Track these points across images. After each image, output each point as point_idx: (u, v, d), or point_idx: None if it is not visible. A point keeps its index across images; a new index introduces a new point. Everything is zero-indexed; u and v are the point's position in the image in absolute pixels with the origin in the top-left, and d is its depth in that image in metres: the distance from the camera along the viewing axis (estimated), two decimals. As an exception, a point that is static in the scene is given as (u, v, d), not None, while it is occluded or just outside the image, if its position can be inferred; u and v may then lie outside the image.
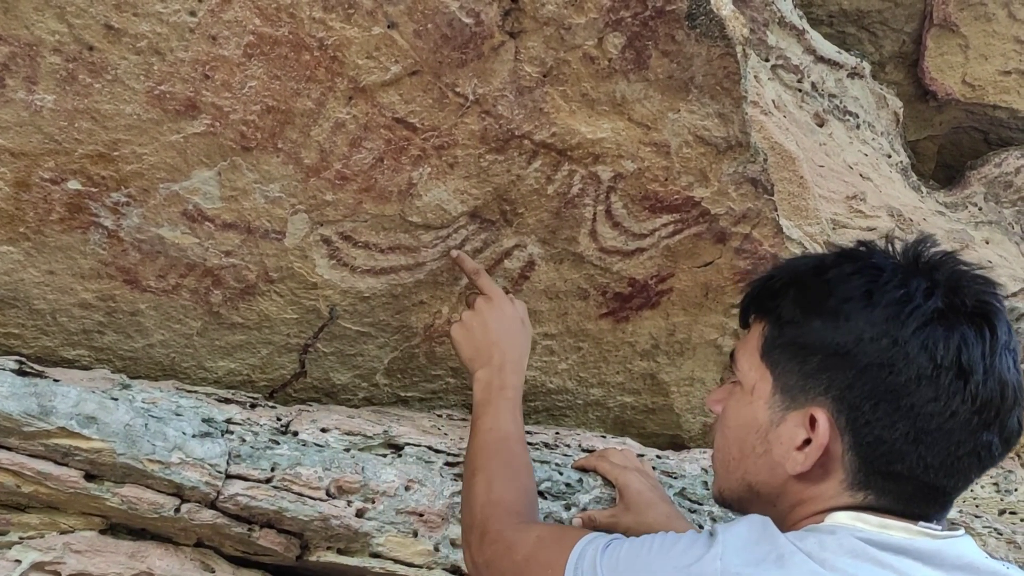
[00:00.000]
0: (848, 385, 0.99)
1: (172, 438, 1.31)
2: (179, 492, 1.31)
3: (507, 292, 1.56)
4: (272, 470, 1.37)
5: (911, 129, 2.73)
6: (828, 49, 2.36)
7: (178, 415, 1.37)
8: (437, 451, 1.54)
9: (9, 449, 1.25)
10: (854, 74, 2.43)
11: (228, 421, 1.42)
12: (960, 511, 2.08)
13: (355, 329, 1.60)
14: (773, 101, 2.14)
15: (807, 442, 1.01)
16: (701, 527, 1.58)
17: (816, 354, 1.02)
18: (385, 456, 1.49)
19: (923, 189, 2.58)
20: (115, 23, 1.21)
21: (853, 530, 0.96)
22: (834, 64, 2.37)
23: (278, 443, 1.42)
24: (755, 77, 2.07)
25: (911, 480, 0.99)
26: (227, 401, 1.50)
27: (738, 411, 1.10)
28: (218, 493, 1.32)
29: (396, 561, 1.40)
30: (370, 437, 1.51)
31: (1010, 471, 2.42)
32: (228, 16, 1.23)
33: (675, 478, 1.70)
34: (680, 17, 1.36)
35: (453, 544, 1.43)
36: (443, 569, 1.43)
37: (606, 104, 1.43)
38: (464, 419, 1.75)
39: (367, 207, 1.45)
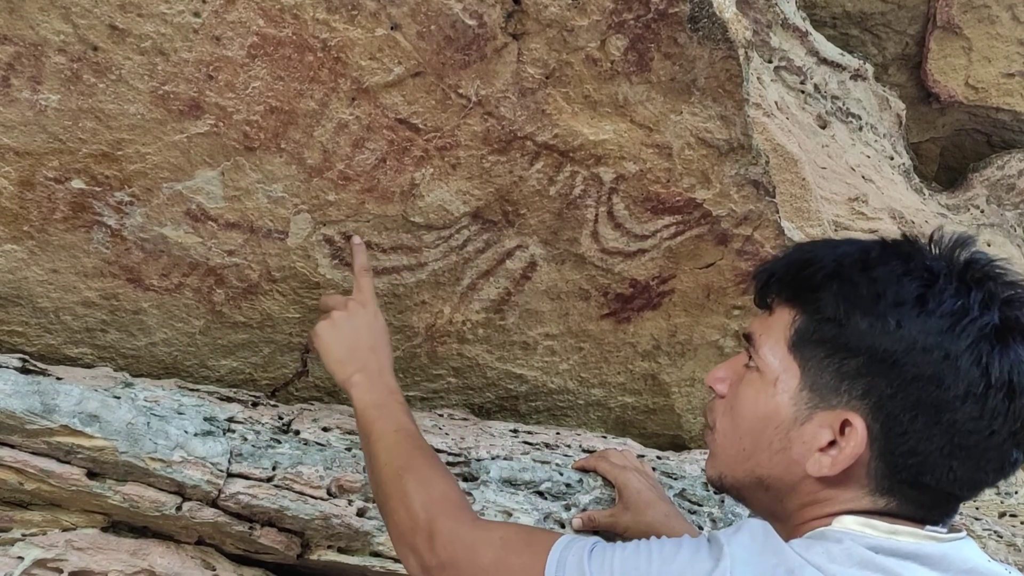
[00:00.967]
0: (890, 394, 0.94)
1: (174, 436, 1.32)
2: (180, 490, 1.32)
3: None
4: (273, 469, 1.37)
5: (913, 131, 2.73)
6: (831, 51, 2.37)
7: (180, 414, 1.37)
8: (438, 451, 1.54)
9: (12, 447, 1.26)
10: (857, 76, 2.43)
11: (230, 420, 1.42)
12: (960, 513, 2.08)
13: (357, 329, 1.60)
14: (776, 103, 2.14)
15: (831, 444, 0.96)
16: (701, 528, 1.58)
17: (858, 356, 0.96)
18: (386, 455, 1.49)
19: (925, 191, 2.58)
20: (119, 23, 1.21)
21: (860, 537, 0.93)
22: (837, 66, 2.37)
23: (280, 442, 1.42)
24: (758, 79, 2.08)
25: (936, 491, 0.96)
26: (229, 400, 1.51)
27: (756, 401, 1.03)
28: (219, 492, 1.33)
29: (397, 560, 1.40)
30: (371, 436, 1.51)
31: (1010, 473, 2.42)
32: (232, 17, 1.24)
33: (675, 479, 1.70)
34: (682, 20, 1.36)
35: (453, 544, 1.43)
36: (443, 568, 1.43)
37: (608, 106, 1.43)
38: (466, 419, 1.75)
39: (369, 207, 1.45)
